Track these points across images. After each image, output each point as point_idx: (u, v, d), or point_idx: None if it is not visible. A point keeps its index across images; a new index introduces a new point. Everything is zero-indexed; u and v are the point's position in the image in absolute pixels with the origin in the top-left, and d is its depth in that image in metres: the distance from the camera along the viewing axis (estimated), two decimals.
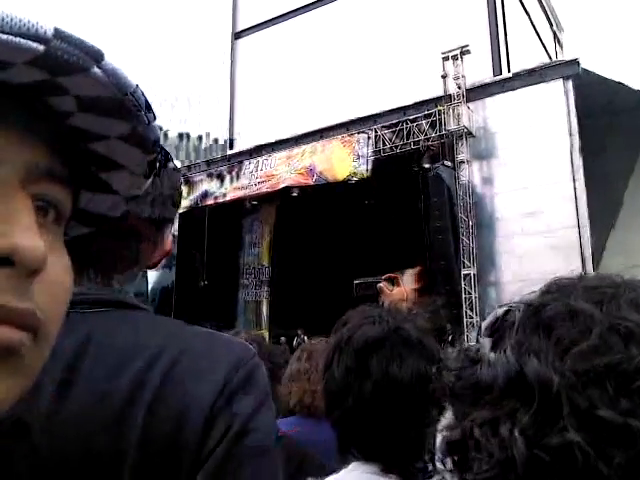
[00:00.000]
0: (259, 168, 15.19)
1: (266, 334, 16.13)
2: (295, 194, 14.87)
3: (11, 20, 0.30)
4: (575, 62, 11.28)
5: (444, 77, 12.62)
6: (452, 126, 12.26)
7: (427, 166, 12.58)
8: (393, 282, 1.88)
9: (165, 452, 0.68)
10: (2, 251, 0.32)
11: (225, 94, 18.93)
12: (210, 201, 15.33)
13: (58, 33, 0.33)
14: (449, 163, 12.37)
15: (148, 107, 0.40)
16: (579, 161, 10.95)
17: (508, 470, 0.44)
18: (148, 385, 0.70)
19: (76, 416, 0.69)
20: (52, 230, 0.38)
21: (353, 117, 14.19)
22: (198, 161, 16.80)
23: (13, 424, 0.63)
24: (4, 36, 0.30)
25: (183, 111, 19.39)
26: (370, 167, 13.21)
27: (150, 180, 0.46)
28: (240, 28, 19.47)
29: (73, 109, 0.38)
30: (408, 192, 14.06)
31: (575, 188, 10.88)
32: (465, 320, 11.58)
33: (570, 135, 11.07)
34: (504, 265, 11.65)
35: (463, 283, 11.75)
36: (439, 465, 0.55)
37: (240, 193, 15.17)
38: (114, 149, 0.41)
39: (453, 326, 12.34)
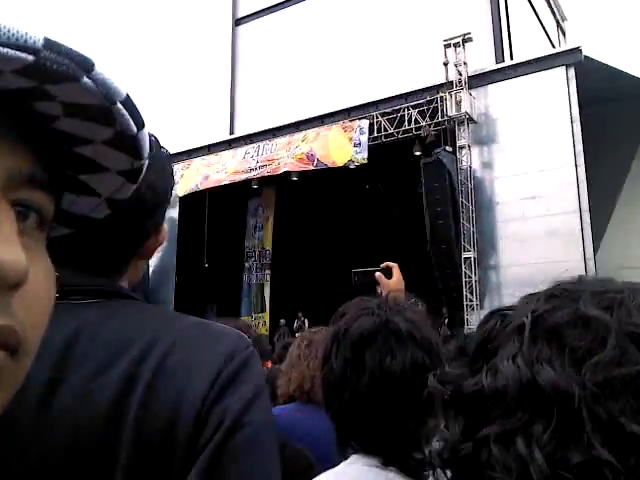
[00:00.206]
0: (260, 153, 15.25)
1: (267, 316, 16.36)
2: (295, 178, 14.96)
3: None
4: (577, 50, 11.37)
5: (446, 64, 12.69)
6: (453, 112, 12.35)
7: (428, 151, 12.69)
8: (390, 271, 1.87)
9: (158, 449, 0.66)
10: None
11: (226, 80, 18.95)
12: (211, 184, 15.40)
13: (48, 43, 0.32)
14: (450, 148, 12.48)
15: (138, 114, 0.40)
16: (580, 147, 11.09)
17: None
18: (139, 380, 0.68)
19: (65, 412, 0.68)
20: (34, 236, 0.37)
21: (354, 103, 14.23)
22: (199, 145, 16.80)
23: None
24: None
25: (184, 96, 19.40)
26: (370, 153, 13.26)
27: (136, 185, 0.45)
28: (241, 15, 19.45)
29: (59, 113, 0.37)
30: (408, 177, 14.17)
31: (577, 174, 11.03)
32: (465, 303, 11.78)
33: (572, 122, 11.21)
34: (504, 249, 11.83)
35: (463, 266, 11.93)
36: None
37: (241, 177, 15.24)
38: (100, 153, 0.41)
39: (452, 309, 12.58)
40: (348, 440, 1.14)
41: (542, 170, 11.38)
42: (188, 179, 15.65)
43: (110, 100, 0.37)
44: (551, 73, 11.60)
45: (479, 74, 12.53)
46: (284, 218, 16.71)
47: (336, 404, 1.13)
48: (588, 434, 0.40)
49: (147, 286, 14.51)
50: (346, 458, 1.16)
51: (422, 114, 12.99)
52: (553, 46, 17.43)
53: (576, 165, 11.10)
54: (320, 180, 14.80)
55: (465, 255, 11.96)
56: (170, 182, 0.90)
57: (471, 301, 11.79)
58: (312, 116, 14.87)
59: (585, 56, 11.32)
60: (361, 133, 13.64)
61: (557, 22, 19.64)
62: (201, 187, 15.35)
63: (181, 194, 15.19)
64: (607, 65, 11.72)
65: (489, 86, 12.42)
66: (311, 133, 14.62)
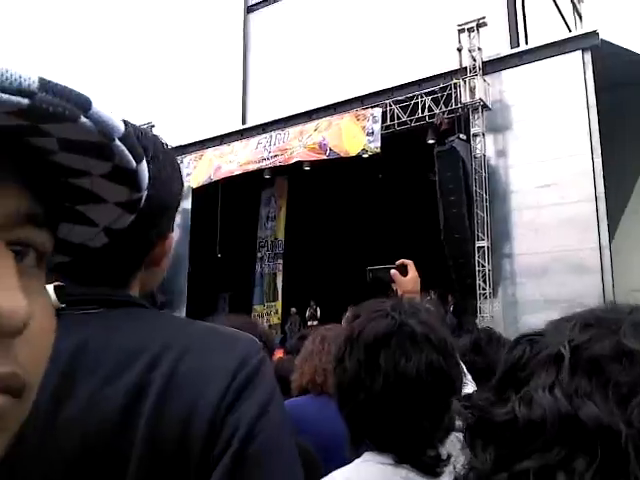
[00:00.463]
0: (272, 143, 15.20)
1: (280, 305, 16.39)
2: (307, 168, 14.89)
3: None
4: (594, 34, 11.14)
5: (459, 50, 12.51)
6: (467, 99, 12.18)
7: (441, 140, 12.55)
8: (406, 269, 1.85)
9: (171, 457, 0.65)
10: None
11: (238, 69, 18.87)
12: (224, 175, 15.38)
13: (43, 85, 0.31)
14: (464, 136, 12.33)
15: (137, 148, 0.39)
16: (597, 134, 10.88)
17: None
18: (150, 388, 0.68)
19: (73, 422, 0.67)
20: (32, 274, 0.36)
21: (367, 91, 14.10)
22: (211, 136, 16.77)
23: None
24: None
25: (196, 86, 19.36)
26: (383, 142, 13.14)
27: (134, 216, 0.45)
28: (252, 2, 19.32)
29: (55, 148, 0.36)
30: (421, 166, 14.06)
31: (593, 161, 10.84)
32: (478, 292, 11.69)
33: (588, 108, 11.00)
34: (518, 238, 11.69)
35: (477, 256, 11.82)
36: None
37: (254, 167, 15.21)
38: (97, 185, 0.40)
39: (464, 298, 12.48)
40: (361, 439, 1.15)
41: (557, 158, 11.20)
42: (201, 171, 15.64)
43: (108, 137, 0.36)
44: (567, 58, 11.39)
45: (494, 59, 12.34)
46: (297, 208, 16.67)
47: (350, 405, 1.14)
48: (634, 472, 0.39)
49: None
50: (359, 456, 1.16)
51: (436, 101, 12.85)
52: (569, 29, 17.07)
53: (592, 152, 10.91)
54: (332, 169, 14.71)
55: (479, 244, 11.85)
56: (177, 188, 0.86)
57: (484, 290, 11.70)
58: (324, 105, 14.76)
59: (602, 40, 11.09)
60: (374, 122, 13.53)
61: (573, 4, 19.21)
62: (214, 178, 15.33)
63: (194, 186, 15.21)
64: (625, 49, 11.47)
65: (504, 72, 12.23)
66: (323, 122, 14.52)
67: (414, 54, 14.24)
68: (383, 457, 1.12)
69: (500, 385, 0.51)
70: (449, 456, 1.11)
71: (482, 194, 11.94)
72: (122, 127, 0.37)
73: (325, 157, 14.25)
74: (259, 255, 17.15)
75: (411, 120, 13.21)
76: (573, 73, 11.31)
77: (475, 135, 12.22)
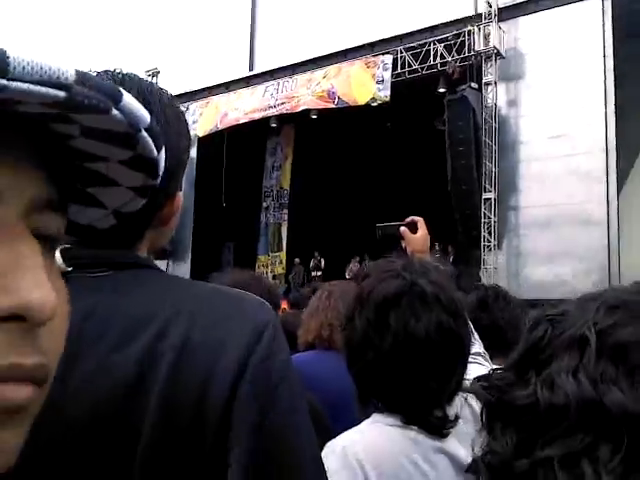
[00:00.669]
0: (279, 90, 14.95)
1: (284, 256, 16.41)
2: (314, 116, 14.68)
3: (32, 68, 0.29)
4: None
5: None
6: (481, 47, 11.87)
7: (452, 88, 12.29)
8: (416, 226, 1.80)
9: (186, 426, 0.64)
10: (12, 310, 0.31)
11: (246, 14, 18.42)
12: (230, 123, 15.18)
13: (79, 77, 0.32)
14: (475, 85, 12.07)
15: (159, 138, 0.40)
16: (611, 85, 10.63)
17: None
18: (162, 358, 0.66)
19: (81, 389, 0.65)
20: (49, 259, 0.36)
21: (378, 37, 13.76)
22: (218, 82, 16.48)
23: None
24: (24, 85, 0.29)
25: (202, 31, 18.94)
26: (392, 90, 12.90)
27: (145, 200, 0.46)
28: None
29: (76, 134, 0.36)
30: (431, 115, 13.82)
31: (606, 113, 10.60)
32: (482, 244, 11.64)
33: (604, 57, 10.70)
34: (526, 190, 11.58)
35: (483, 207, 11.71)
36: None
37: (260, 115, 15.00)
38: (113, 170, 0.40)
39: (467, 249, 12.41)
40: (369, 399, 1.16)
41: (570, 108, 10.97)
42: (207, 119, 15.42)
43: (135, 128, 0.37)
44: (586, 4, 11.03)
45: (510, 6, 11.99)
46: (303, 157, 16.52)
47: (358, 364, 1.14)
48: None
49: None
50: (367, 415, 1.17)
51: (448, 49, 12.57)
52: None
53: (606, 103, 10.68)
54: (340, 118, 14.50)
55: (485, 196, 11.74)
56: (184, 145, 0.83)
57: (489, 242, 11.65)
58: (334, 51, 14.44)
59: None
60: (384, 69, 13.27)
61: None
62: (220, 127, 15.11)
63: (200, 134, 15.03)
64: None
65: (520, 19, 11.90)
66: (332, 69, 14.25)
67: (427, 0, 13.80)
68: (391, 418, 1.13)
69: (520, 365, 0.50)
70: (457, 417, 1.12)
71: (491, 145, 11.75)
72: (148, 118, 0.37)
73: (333, 106, 14.03)
74: (264, 205, 17.10)
75: (422, 68, 12.94)
76: (591, 21, 10.98)
77: (487, 84, 11.96)
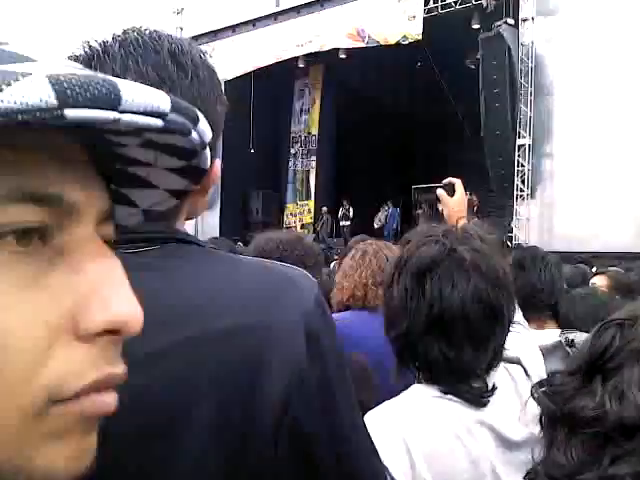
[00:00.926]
0: (307, 27, 14.28)
1: (312, 204, 16.15)
2: (343, 56, 14.04)
3: (138, 100, 0.31)
4: None
5: None
6: None
7: (488, 25, 11.44)
8: (453, 188, 1.74)
9: (238, 428, 0.62)
10: (110, 325, 0.32)
11: None
12: (258, 64, 14.67)
13: (173, 105, 0.33)
14: (512, 21, 11.19)
15: (214, 148, 0.42)
16: None
17: None
18: (206, 350, 0.62)
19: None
20: None
21: None
22: (243, 20, 15.84)
23: None
24: (133, 117, 0.31)
25: None
26: (424, 27, 12.13)
27: (178, 201, 0.46)
28: None
29: (135, 144, 0.37)
30: (464, 54, 13.03)
31: None
32: (515, 193, 11.07)
33: None
34: (561, 136, 10.80)
35: (517, 154, 11.06)
36: None
37: (288, 55, 14.42)
38: (156, 175, 0.41)
39: (501, 198, 11.85)
40: (407, 364, 1.16)
41: (614, 47, 10.00)
42: (234, 60, 14.90)
43: (202, 146, 0.38)
44: None
45: None
46: (331, 100, 15.96)
47: (395, 330, 1.14)
48: None
49: None
50: (405, 380, 1.18)
51: None
52: None
53: None
54: (369, 57, 13.79)
55: (520, 142, 11.07)
56: (220, 110, 0.77)
57: (522, 191, 11.06)
58: None
59: None
60: (416, 4, 12.45)
61: None
62: (249, 69, 14.59)
63: (228, 78, 14.57)
64: None
65: None
66: (362, 3, 13.47)
67: None
68: (430, 389, 1.12)
69: (585, 372, 0.49)
70: (494, 387, 1.11)
71: (527, 87, 10.95)
72: (210, 134, 0.38)
73: (364, 45, 13.43)
74: (292, 151, 16.71)
75: (456, 2, 12.04)
76: None
77: (524, 20, 11.05)
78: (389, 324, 1.17)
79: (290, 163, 16.75)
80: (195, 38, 16.74)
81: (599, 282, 3.25)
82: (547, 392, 0.50)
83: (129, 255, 0.65)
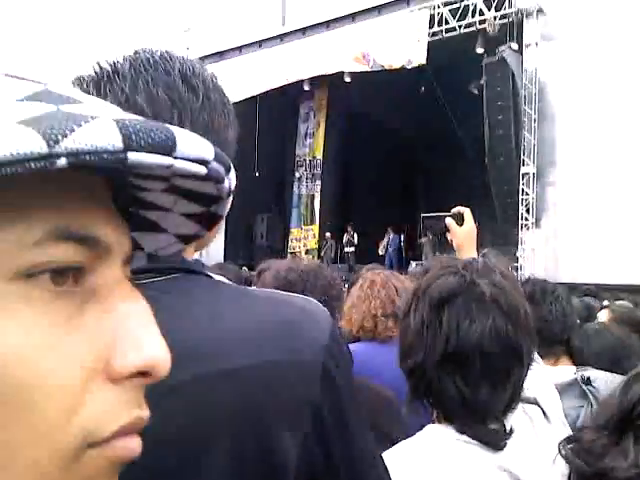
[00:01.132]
0: (313, 49, 14.25)
1: (316, 229, 16.01)
2: (348, 80, 13.98)
3: (190, 148, 0.32)
4: None
5: None
6: (522, 2, 10.78)
7: (491, 49, 11.30)
8: (462, 217, 1.69)
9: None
10: (143, 367, 0.32)
11: None
12: (264, 88, 14.64)
13: (215, 155, 0.34)
14: (515, 46, 11.01)
15: (231, 194, 0.40)
16: None
17: None
18: (216, 392, 0.58)
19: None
20: None
21: None
22: (250, 41, 15.86)
23: None
24: (185, 163, 0.32)
25: None
26: (428, 50, 12.04)
27: (182, 246, 0.45)
28: None
29: (157, 188, 0.37)
30: (468, 79, 12.89)
31: None
32: (520, 222, 10.82)
33: None
34: (565, 164, 10.56)
35: (521, 182, 10.83)
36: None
37: (293, 76, 14.40)
38: (166, 219, 0.41)
39: (505, 226, 11.60)
40: (420, 398, 1.12)
41: (617, 73, 9.75)
42: (240, 81, 14.89)
43: (228, 194, 0.38)
44: None
45: None
46: (335, 124, 15.88)
47: (410, 362, 1.10)
48: None
49: None
50: (417, 414, 1.15)
51: (488, 4, 11.50)
52: None
53: None
54: (374, 81, 13.71)
55: (524, 170, 10.83)
56: (231, 136, 0.73)
57: (526, 220, 10.79)
58: (369, 6, 13.62)
59: None
60: (421, 28, 12.39)
61: None
62: (255, 92, 14.56)
63: (234, 99, 14.51)
64: None
65: None
66: (367, 27, 13.42)
67: None
68: (445, 428, 1.08)
69: (615, 429, 0.48)
70: (512, 430, 1.06)
71: (530, 113, 10.73)
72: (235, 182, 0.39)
73: (368, 69, 13.38)
74: (297, 175, 16.58)
75: (460, 26, 11.92)
76: None
77: (528, 45, 10.87)
78: (404, 355, 1.13)
79: (295, 187, 16.63)
80: (202, 58, 16.88)
81: (606, 316, 3.16)
82: (576, 449, 0.49)
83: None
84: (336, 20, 14.29)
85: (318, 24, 14.78)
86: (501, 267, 1.16)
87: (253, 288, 0.78)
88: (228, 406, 0.59)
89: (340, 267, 13.82)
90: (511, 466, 1.04)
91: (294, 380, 0.63)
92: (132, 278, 0.56)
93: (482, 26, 11.58)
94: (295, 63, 14.37)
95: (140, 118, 0.30)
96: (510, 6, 11.08)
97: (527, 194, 10.82)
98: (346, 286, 2.70)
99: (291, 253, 15.25)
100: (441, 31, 12.28)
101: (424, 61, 12.15)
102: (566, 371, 1.94)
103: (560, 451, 0.55)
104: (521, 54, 10.94)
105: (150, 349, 0.32)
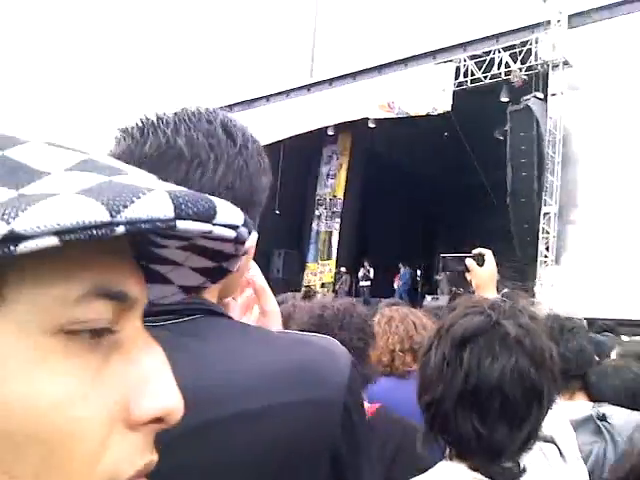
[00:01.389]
0: (339, 98, 14.84)
1: (333, 264, 16.16)
2: (372, 125, 14.48)
3: (226, 216, 0.34)
4: None
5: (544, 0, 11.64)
6: (548, 55, 11.37)
7: (516, 98, 11.82)
8: (483, 258, 1.74)
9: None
10: (160, 414, 0.34)
11: (308, 19, 18.51)
12: (288, 132, 15.14)
13: (245, 221, 0.36)
14: (541, 95, 11.58)
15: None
16: None
17: None
18: (238, 438, 0.59)
19: None
20: None
21: (441, 45, 13.46)
22: (278, 91, 16.54)
23: None
24: (221, 229, 0.34)
25: (265, 39, 19.16)
26: (453, 99, 12.58)
27: (184, 295, 0.46)
28: None
29: (173, 246, 0.39)
30: (492, 126, 13.36)
31: None
32: (539, 259, 11.04)
33: None
34: (587, 204, 10.91)
35: (542, 221, 11.12)
36: None
37: (318, 123, 14.91)
38: (176, 273, 0.42)
39: (526, 266, 11.77)
40: (436, 435, 1.12)
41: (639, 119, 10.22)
42: (266, 127, 15.43)
43: (244, 252, 0.40)
44: None
45: (581, 12, 11.42)
46: (358, 166, 16.29)
47: (428, 397, 1.11)
48: None
49: None
50: (432, 450, 1.15)
51: (513, 57, 12.18)
52: None
53: None
54: (398, 127, 14.21)
55: (545, 210, 11.20)
56: (264, 183, 0.76)
57: (546, 257, 11.03)
58: (395, 59, 14.29)
59: None
60: (446, 79, 12.97)
61: None
62: (280, 137, 15.03)
63: (262, 143, 14.96)
64: None
65: (590, 25, 11.29)
66: (393, 78, 14.04)
67: (493, 5, 13.40)
68: (458, 465, 1.09)
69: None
70: (525, 469, 1.06)
71: (554, 157, 11.18)
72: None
73: (394, 115, 13.86)
74: (317, 213, 16.97)
75: (485, 77, 12.56)
76: None
77: (553, 94, 11.43)
78: (422, 390, 1.13)
79: (314, 224, 16.99)
80: (230, 106, 17.53)
81: (615, 354, 3.06)
82: None
83: (151, 328, 0.70)
84: (363, 72, 14.93)
85: (345, 75, 15.42)
86: (530, 310, 1.17)
87: (274, 331, 0.77)
88: (243, 450, 0.59)
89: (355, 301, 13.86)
90: None
91: (315, 420, 0.64)
92: (154, 320, 0.58)
93: (507, 77, 12.17)
94: (321, 111, 14.91)
95: (187, 190, 0.33)
96: (536, 59, 11.66)
97: (547, 232, 11.13)
98: None
99: (306, 287, 15.37)
100: (466, 82, 12.87)
101: (449, 108, 12.67)
102: (582, 406, 1.95)
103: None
104: (546, 102, 11.44)
105: (166, 398, 0.34)
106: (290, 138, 15.03)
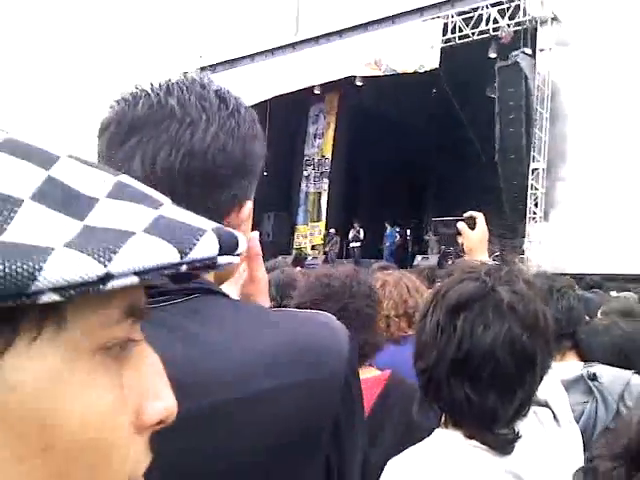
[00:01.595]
0: (325, 56, 14.65)
1: (323, 226, 16.23)
2: (360, 83, 14.37)
3: (231, 245, 0.35)
4: None
5: None
6: (537, 11, 11.29)
7: (504, 54, 11.78)
8: (474, 221, 1.73)
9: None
10: (165, 415, 0.36)
11: None
12: (273, 91, 14.96)
13: (242, 247, 0.37)
14: (529, 51, 11.53)
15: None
16: None
17: None
18: (239, 416, 0.59)
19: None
20: None
21: (428, 2, 13.28)
22: (263, 49, 16.25)
23: None
24: (228, 257, 0.35)
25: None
26: (441, 55, 12.50)
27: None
28: None
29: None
30: (479, 82, 13.32)
31: None
32: (528, 216, 11.20)
33: None
34: (575, 160, 11.00)
35: (530, 178, 11.23)
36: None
37: (305, 82, 14.74)
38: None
39: (515, 223, 11.94)
40: (430, 401, 1.12)
41: (628, 77, 10.28)
42: (251, 87, 15.21)
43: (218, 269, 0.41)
44: None
45: None
46: (345, 125, 16.21)
47: (423, 363, 1.11)
48: None
49: None
50: (427, 418, 1.16)
51: (502, 13, 12.10)
52: None
53: None
54: (385, 84, 14.11)
55: (534, 166, 11.30)
56: (258, 150, 0.74)
57: (534, 214, 11.19)
58: (382, 16, 14.11)
59: None
60: (434, 35, 12.85)
61: None
62: (266, 97, 14.85)
63: (247, 104, 14.78)
64: None
65: None
66: (380, 35, 13.87)
67: None
68: (453, 432, 1.09)
69: (630, 459, 0.47)
70: (520, 434, 1.06)
71: (542, 113, 11.22)
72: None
73: (381, 73, 13.75)
74: (305, 174, 16.94)
75: (473, 33, 12.45)
76: None
77: (542, 50, 11.40)
78: (417, 355, 1.13)
79: (302, 186, 16.96)
80: (214, 66, 17.21)
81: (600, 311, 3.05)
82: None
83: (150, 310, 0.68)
84: (349, 29, 14.71)
85: (331, 33, 15.17)
86: (527, 276, 1.17)
87: (271, 309, 0.78)
88: (250, 432, 0.60)
89: (345, 262, 14.01)
90: (519, 470, 1.06)
91: (320, 396, 0.65)
92: (152, 301, 0.58)
93: (495, 33, 12.09)
94: (307, 70, 14.72)
95: (220, 225, 0.35)
96: (524, 14, 11.57)
97: (536, 189, 11.26)
98: None
99: (296, 249, 15.48)
100: (454, 38, 12.77)
101: (437, 65, 12.60)
102: (573, 367, 1.95)
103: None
104: (534, 58, 11.42)
105: (167, 401, 0.36)
106: (276, 98, 14.87)
